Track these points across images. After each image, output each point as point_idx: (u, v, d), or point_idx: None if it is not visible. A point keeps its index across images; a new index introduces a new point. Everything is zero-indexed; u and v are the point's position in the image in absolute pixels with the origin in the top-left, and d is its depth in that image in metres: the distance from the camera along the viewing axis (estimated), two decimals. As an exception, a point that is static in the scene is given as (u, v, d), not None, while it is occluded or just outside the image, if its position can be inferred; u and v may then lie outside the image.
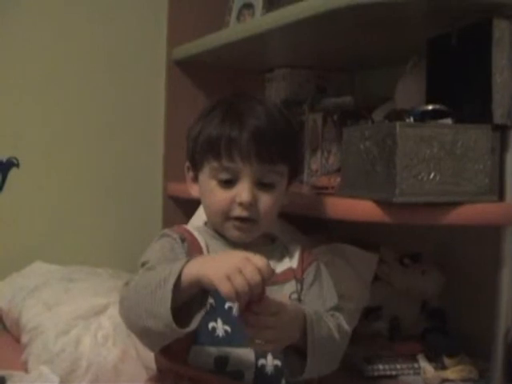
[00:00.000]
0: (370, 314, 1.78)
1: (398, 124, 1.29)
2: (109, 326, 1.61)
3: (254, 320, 1.08)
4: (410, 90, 1.66)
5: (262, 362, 1.23)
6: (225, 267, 1.04)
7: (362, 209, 1.36)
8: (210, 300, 1.19)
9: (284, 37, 1.78)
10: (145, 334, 1.16)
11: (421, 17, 1.50)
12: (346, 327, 1.29)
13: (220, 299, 1.18)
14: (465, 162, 1.31)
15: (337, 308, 1.32)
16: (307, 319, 1.18)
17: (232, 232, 1.30)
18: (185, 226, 1.35)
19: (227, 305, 1.23)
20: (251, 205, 1.27)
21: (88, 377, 1.54)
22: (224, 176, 1.28)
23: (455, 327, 1.75)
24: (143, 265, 1.22)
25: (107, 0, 2.19)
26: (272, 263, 1.25)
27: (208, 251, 1.29)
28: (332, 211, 1.46)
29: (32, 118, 2.12)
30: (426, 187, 1.29)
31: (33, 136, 2.11)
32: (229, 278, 1.03)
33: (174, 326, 1.06)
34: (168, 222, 2.21)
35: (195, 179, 1.36)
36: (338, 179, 1.51)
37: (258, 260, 1.06)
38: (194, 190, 1.37)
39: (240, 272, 1.03)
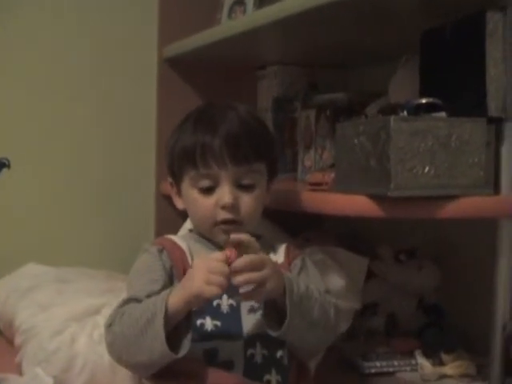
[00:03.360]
0: (366, 310, 1.78)
1: (392, 118, 1.28)
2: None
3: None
4: (403, 85, 1.65)
5: (250, 351, 1.26)
6: (199, 278, 1.15)
7: (356, 204, 1.36)
8: None
9: (276, 33, 1.78)
10: (138, 368, 1.27)
11: (414, 10, 1.50)
12: (334, 301, 1.30)
13: None
14: (460, 155, 1.31)
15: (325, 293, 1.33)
16: (285, 277, 1.22)
17: (221, 236, 1.32)
18: (166, 236, 1.39)
19: (215, 302, 1.28)
20: (233, 206, 1.31)
21: (84, 375, 1.54)
22: (203, 183, 1.32)
23: (452, 323, 1.75)
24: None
25: (96, -2, 2.19)
26: None
27: (191, 254, 1.33)
28: (326, 207, 1.45)
29: (22, 117, 2.11)
30: (421, 181, 1.28)
31: (24, 136, 2.11)
32: (208, 282, 1.14)
33: (170, 354, 1.16)
34: (161, 222, 2.21)
35: (179, 193, 1.40)
36: (332, 175, 1.51)
37: (217, 254, 1.18)
38: (179, 203, 1.41)
39: (211, 272, 1.15)
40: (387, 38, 1.74)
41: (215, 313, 1.27)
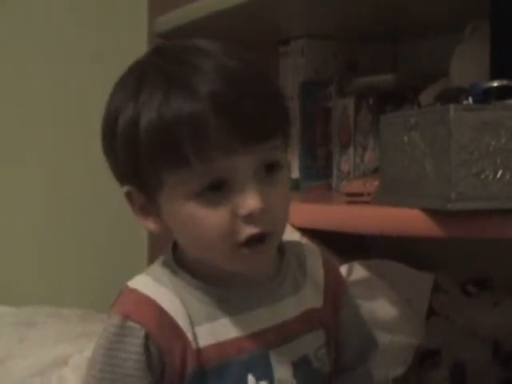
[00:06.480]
0: (425, 359, 1.77)
1: (452, 107, 1.27)
2: (74, 378, 1.61)
3: None
4: (468, 63, 1.65)
5: None
6: None
7: (407, 220, 1.35)
8: None
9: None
10: None
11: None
12: None
13: None
14: (543, 154, 1.30)
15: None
16: None
17: (242, 266, 1.09)
18: (144, 295, 1.11)
19: None
20: (264, 211, 1.03)
21: None
22: (207, 184, 1.04)
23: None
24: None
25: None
26: (282, 305, 1.17)
27: (190, 318, 1.09)
28: (369, 225, 1.46)
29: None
30: (491, 189, 1.27)
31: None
32: None
33: None
34: (155, 253, 2.20)
35: (147, 208, 1.12)
36: (376, 183, 1.51)
37: None
38: (151, 225, 1.13)
39: None
40: (448, 1, 1.73)
41: None
